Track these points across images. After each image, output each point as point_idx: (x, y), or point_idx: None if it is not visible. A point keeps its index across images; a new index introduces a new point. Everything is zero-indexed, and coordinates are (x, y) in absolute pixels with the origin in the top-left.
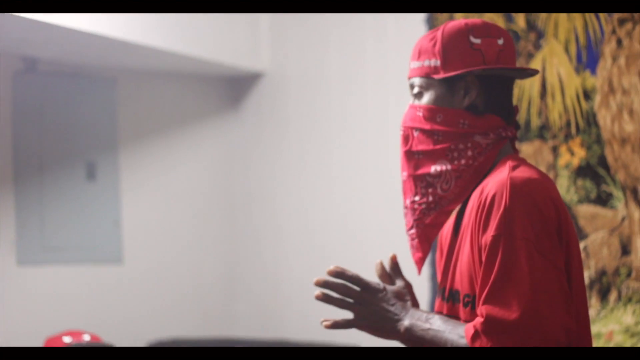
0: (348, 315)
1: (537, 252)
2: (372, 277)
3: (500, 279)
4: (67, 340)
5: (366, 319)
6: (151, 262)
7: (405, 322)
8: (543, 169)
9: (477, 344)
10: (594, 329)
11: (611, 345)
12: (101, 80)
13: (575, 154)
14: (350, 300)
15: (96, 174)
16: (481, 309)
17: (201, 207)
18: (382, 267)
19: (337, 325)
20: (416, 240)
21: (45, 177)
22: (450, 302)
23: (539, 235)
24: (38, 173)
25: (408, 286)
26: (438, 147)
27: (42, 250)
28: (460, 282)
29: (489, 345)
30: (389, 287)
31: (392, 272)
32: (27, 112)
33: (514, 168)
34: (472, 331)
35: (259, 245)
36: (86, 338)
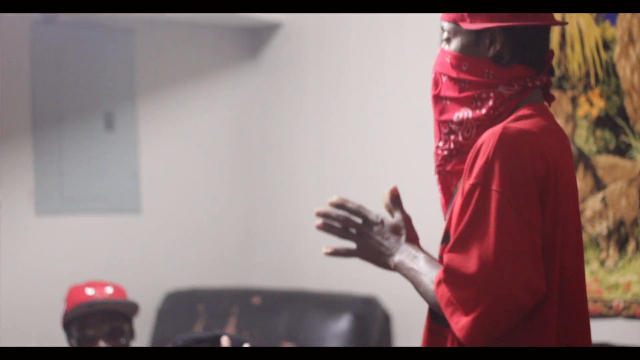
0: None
1: (511, 208)
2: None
3: (468, 230)
4: (89, 292)
5: (365, 252)
6: (169, 212)
7: (395, 258)
8: (562, 119)
9: (439, 292)
10: (612, 279)
11: (629, 295)
12: (119, 30)
13: (594, 105)
14: (353, 231)
15: (114, 125)
16: (445, 257)
17: (219, 157)
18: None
19: (337, 253)
20: (439, 186)
21: (64, 127)
22: (445, 243)
23: (516, 190)
24: (56, 123)
25: (407, 219)
26: (463, 95)
27: (60, 201)
28: (451, 224)
29: (448, 294)
30: (387, 221)
31: (392, 204)
32: (45, 63)
33: (518, 118)
34: (436, 278)
35: (276, 195)
36: (109, 291)
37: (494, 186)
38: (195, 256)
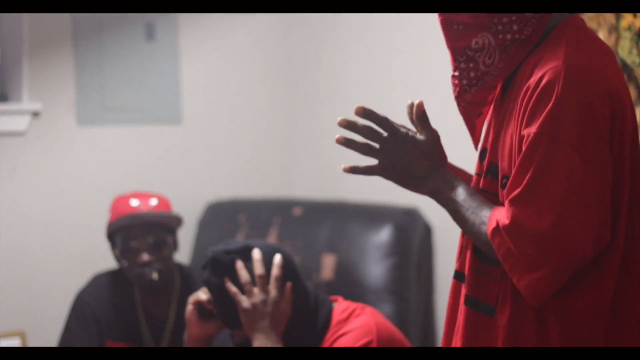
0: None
1: (581, 159)
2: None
3: (535, 182)
4: (134, 203)
5: (389, 171)
6: (210, 123)
7: (430, 184)
8: (604, 30)
9: (496, 240)
10: None
11: None
12: None
13: (637, 16)
14: (376, 146)
15: (155, 35)
16: (509, 209)
17: (261, 66)
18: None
19: (357, 170)
20: (462, 116)
21: (105, 38)
22: (489, 176)
23: (585, 138)
24: (97, 34)
25: (435, 136)
26: (479, 21)
27: (102, 111)
28: (500, 159)
29: (507, 245)
30: (418, 138)
31: (419, 121)
32: None
33: (571, 49)
34: (494, 225)
35: (318, 105)
36: (153, 202)
37: (562, 136)
38: (236, 166)
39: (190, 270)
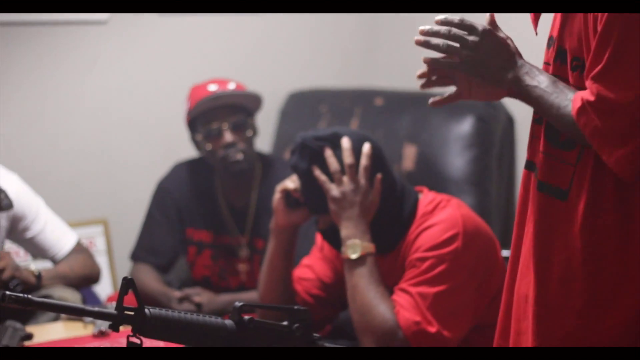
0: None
1: None
2: None
3: (616, 56)
4: (212, 88)
5: (471, 64)
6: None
7: (513, 73)
8: None
9: (582, 120)
10: None
11: None
12: None
13: None
14: (456, 45)
15: None
16: (592, 87)
17: None
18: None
19: (437, 63)
20: None
21: None
22: (558, 60)
23: None
24: None
25: (509, 38)
26: None
27: None
28: (569, 41)
29: (594, 122)
30: (498, 32)
31: (493, 26)
32: None
33: None
34: (579, 104)
35: None
36: (231, 86)
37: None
38: (318, 56)
39: (271, 159)
